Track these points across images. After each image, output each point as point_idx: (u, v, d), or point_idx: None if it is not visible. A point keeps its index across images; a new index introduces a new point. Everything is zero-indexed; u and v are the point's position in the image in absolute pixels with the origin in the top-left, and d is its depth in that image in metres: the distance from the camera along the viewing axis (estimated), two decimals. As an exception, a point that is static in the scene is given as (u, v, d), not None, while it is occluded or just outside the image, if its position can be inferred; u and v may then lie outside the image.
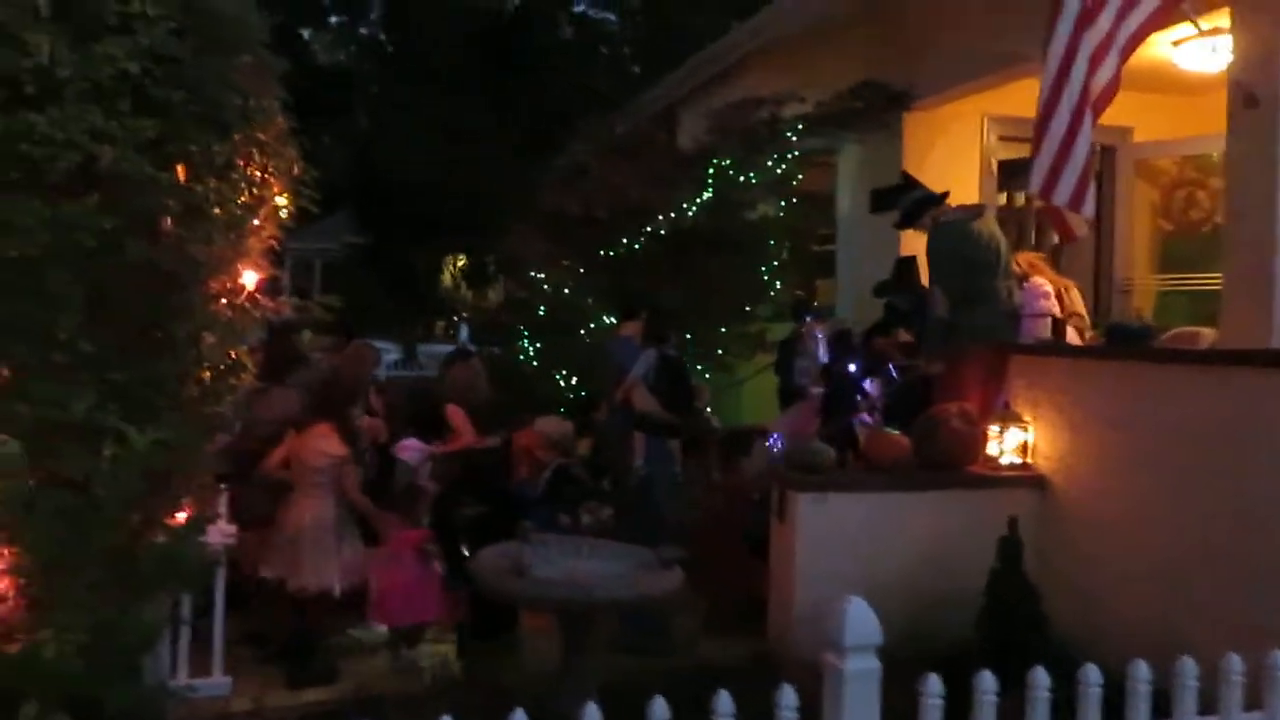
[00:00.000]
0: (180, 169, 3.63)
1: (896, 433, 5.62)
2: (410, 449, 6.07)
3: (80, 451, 3.16)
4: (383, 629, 5.26)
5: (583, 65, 22.10)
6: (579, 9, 23.12)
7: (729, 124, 8.32)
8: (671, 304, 6.93)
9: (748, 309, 8.02)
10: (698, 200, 7.93)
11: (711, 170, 8.02)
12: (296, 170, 4.26)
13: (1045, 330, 5.87)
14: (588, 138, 9.56)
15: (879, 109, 7.87)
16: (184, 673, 4.44)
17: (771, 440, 6.96)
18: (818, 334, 7.08)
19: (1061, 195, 4.85)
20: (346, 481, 5.15)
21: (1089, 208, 5.02)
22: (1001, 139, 7.84)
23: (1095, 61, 4.81)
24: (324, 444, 5.17)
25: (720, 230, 7.79)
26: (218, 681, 4.55)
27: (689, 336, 7.51)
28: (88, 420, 3.24)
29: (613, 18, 23.31)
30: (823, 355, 6.99)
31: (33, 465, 3.23)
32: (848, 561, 4.97)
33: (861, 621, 2.27)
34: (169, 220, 3.56)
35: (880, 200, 6.82)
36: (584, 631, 3.63)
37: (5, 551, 2.97)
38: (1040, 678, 2.49)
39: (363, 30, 22.58)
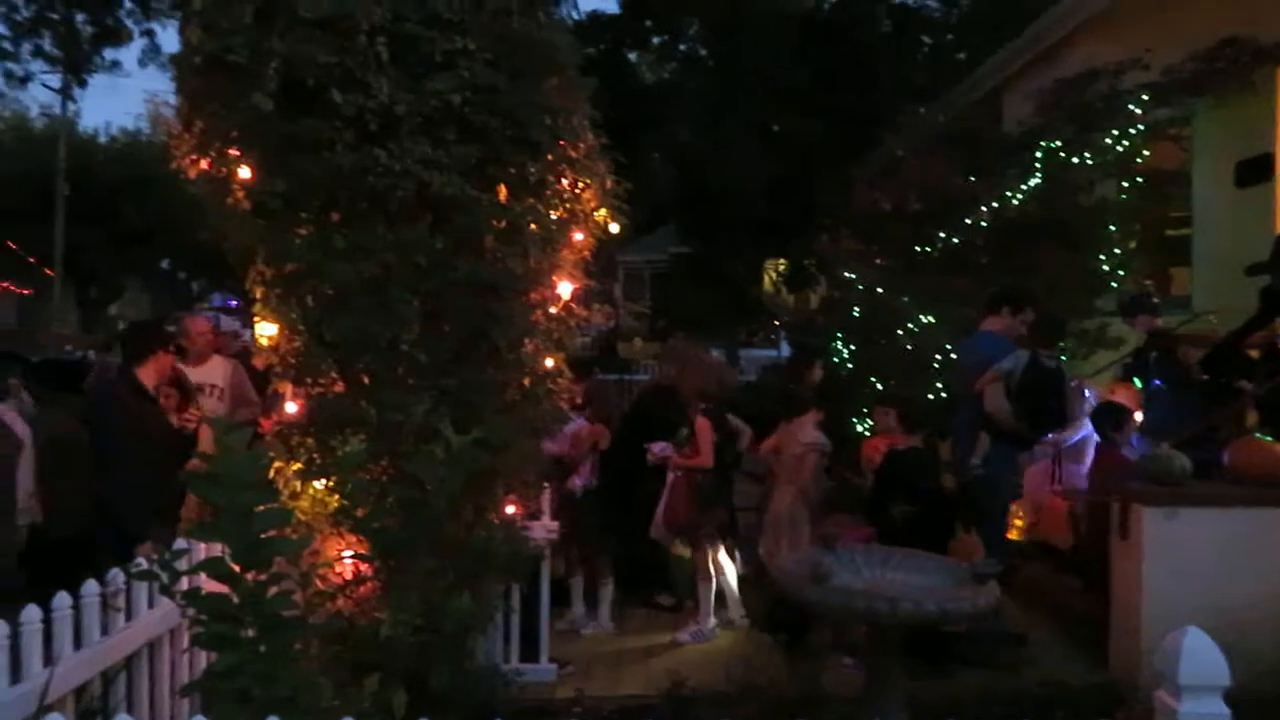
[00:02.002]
0: (500, 189, 3.94)
1: (1271, 440, 4.85)
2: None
3: (417, 451, 3.49)
4: None
5: (904, 58, 21.33)
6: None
7: (1059, 102, 7.64)
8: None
9: (1089, 302, 7.28)
10: (1024, 187, 7.35)
11: (1040, 153, 7.40)
12: (609, 184, 4.42)
13: None
14: (905, 131, 9.19)
15: (1244, 67, 6.86)
16: (515, 658, 4.77)
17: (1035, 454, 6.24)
18: (1085, 392, 6.21)
19: None
20: (804, 466, 5.30)
21: None
22: None
23: None
24: (802, 432, 5.38)
25: (1051, 218, 7.15)
26: (544, 668, 4.84)
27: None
28: (424, 423, 3.59)
29: (933, 4, 22.29)
30: (1086, 406, 6.10)
31: (379, 463, 3.63)
32: (1205, 585, 4.35)
33: (1200, 656, 1.94)
34: (490, 237, 3.86)
35: (1248, 173, 5.94)
36: (890, 645, 3.45)
37: (354, 539, 3.35)
38: None
39: (682, 47, 23.33)
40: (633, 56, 24.51)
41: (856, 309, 7.96)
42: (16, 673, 2.58)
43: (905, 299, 7.37)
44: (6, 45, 15.11)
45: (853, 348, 7.82)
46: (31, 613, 2.66)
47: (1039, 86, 8.03)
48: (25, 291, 34.48)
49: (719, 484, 5.67)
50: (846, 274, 8.28)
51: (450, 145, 3.68)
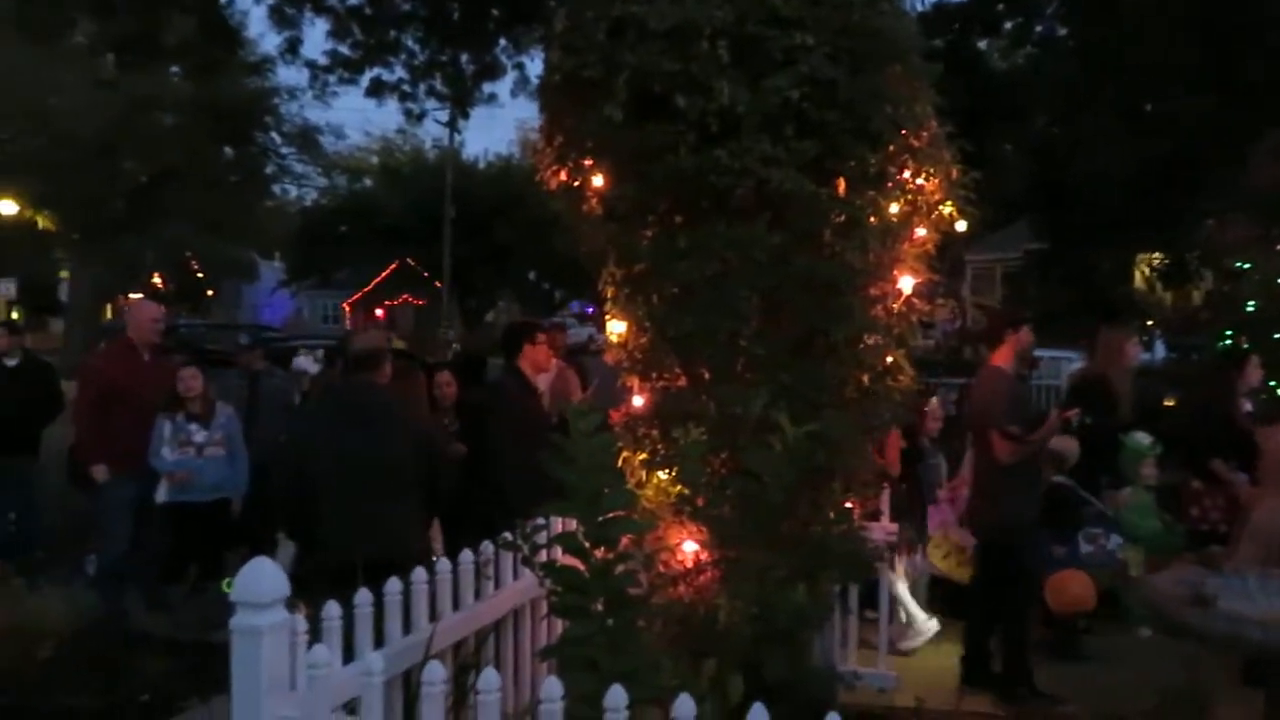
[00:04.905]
0: (838, 183, 3.88)
1: None
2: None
3: (754, 445, 3.53)
4: None
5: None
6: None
7: None
8: None
9: None
10: None
11: None
12: (954, 174, 4.21)
13: None
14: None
15: None
16: (852, 660, 4.69)
17: None
18: None
19: None
20: None
21: None
22: None
23: None
24: None
25: None
26: (883, 674, 4.71)
27: None
28: (762, 416, 3.62)
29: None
30: None
31: (718, 455, 3.72)
32: None
33: None
34: (828, 232, 3.82)
35: None
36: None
37: (695, 527, 3.45)
38: None
39: (1039, 28, 21.70)
40: (982, 45, 23.22)
41: (1251, 303, 6.97)
42: (408, 625, 2.94)
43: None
44: (406, 88, 17.38)
45: (1246, 347, 6.85)
46: (419, 574, 3.01)
47: None
48: (420, 303, 39.59)
49: (908, 495, 5.32)
50: (1238, 264, 7.29)
51: (789, 141, 3.68)
